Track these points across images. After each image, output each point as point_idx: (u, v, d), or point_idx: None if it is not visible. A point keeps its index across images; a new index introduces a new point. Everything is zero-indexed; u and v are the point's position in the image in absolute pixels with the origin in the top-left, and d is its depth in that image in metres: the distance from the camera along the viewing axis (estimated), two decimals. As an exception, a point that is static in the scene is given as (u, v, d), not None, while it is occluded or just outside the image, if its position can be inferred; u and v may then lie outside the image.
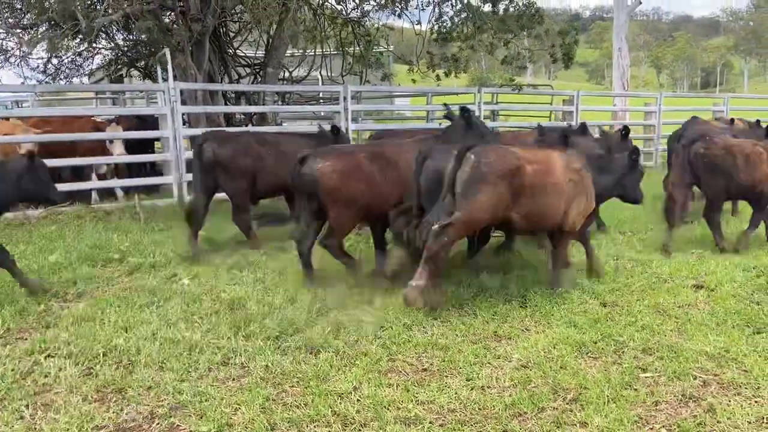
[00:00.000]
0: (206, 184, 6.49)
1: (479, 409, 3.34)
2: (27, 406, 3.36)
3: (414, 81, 14.14)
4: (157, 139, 10.70)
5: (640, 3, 19.64)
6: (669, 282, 5.45)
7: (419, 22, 13.18)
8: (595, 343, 4.12)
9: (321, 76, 15.19)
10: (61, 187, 8.77)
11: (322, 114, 15.17)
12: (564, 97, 14.05)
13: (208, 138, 6.58)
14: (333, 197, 5.13)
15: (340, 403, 3.37)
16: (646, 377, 3.69)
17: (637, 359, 3.92)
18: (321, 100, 15.03)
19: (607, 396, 3.43)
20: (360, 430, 3.15)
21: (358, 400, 3.42)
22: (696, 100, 21.41)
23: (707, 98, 22.50)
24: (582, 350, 4.03)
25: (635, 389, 3.54)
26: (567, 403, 3.39)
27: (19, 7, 11.01)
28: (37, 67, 12.85)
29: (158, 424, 3.21)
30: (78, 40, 10.75)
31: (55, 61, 12.84)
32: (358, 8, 13.55)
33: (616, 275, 5.55)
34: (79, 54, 12.98)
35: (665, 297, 5.01)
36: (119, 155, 9.19)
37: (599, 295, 5.03)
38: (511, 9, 11.62)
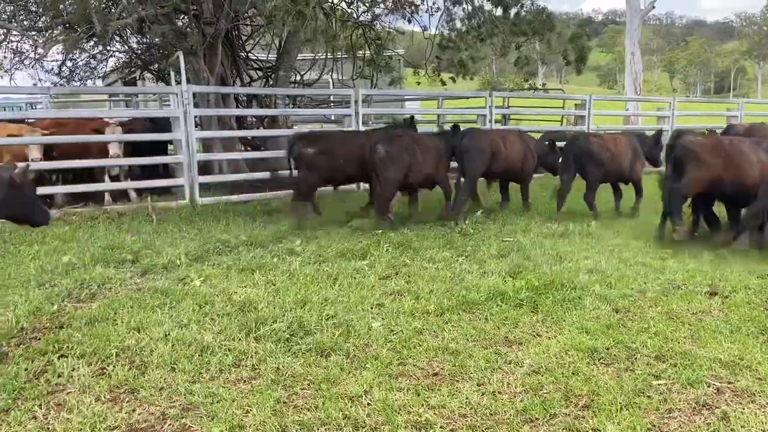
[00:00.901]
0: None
1: (490, 414, 3.33)
2: (40, 406, 3.38)
3: (418, 83, 14.17)
4: (170, 142, 10.76)
5: (654, 7, 19.58)
6: (682, 288, 5.41)
7: (425, 28, 13.23)
8: (608, 349, 4.09)
9: (332, 79, 15.25)
10: (74, 188, 8.95)
11: (333, 117, 15.22)
12: (576, 102, 13.99)
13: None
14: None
15: (351, 406, 3.37)
16: (659, 384, 3.66)
17: (650, 366, 3.88)
18: (332, 104, 15.09)
19: (620, 403, 3.40)
20: (371, 433, 3.15)
21: (368, 403, 3.41)
22: (710, 105, 21.27)
23: (721, 103, 22.31)
24: (594, 356, 4.00)
25: (648, 396, 3.51)
26: (579, 410, 3.36)
27: (34, 9, 11.14)
28: (52, 69, 13.02)
29: (170, 424, 3.22)
30: (92, 42, 10.86)
31: (69, 63, 12.99)
32: (368, 11, 13.61)
33: (629, 281, 5.51)
34: (93, 56, 13.12)
35: (679, 303, 4.97)
36: (114, 156, 9.15)
37: (611, 301, 5.00)
38: (523, 13, 11.62)
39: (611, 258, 6.29)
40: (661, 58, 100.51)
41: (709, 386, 3.63)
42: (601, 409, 3.34)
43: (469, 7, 12.06)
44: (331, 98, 15.21)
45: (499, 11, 11.79)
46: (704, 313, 4.80)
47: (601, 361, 3.96)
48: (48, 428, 3.18)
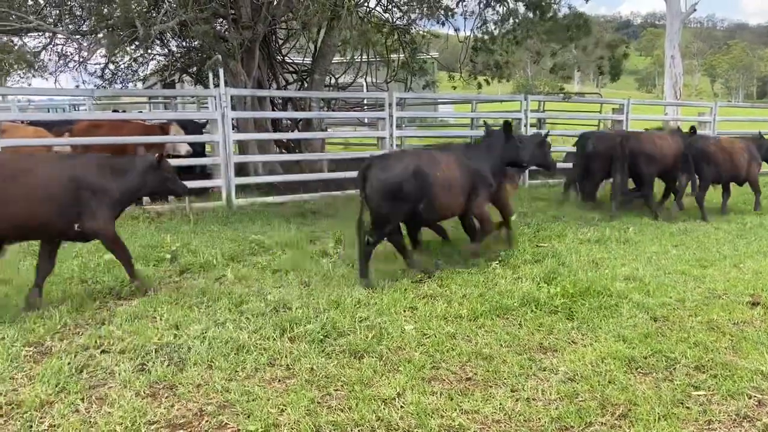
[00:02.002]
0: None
1: (524, 421, 3.31)
2: (82, 400, 3.48)
3: (454, 88, 14.12)
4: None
5: (695, 10, 19.14)
6: (723, 298, 5.28)
7: (456, 29, 13.16)
8: (645, 358, 4.02)
9: (366, 82, 15.33)
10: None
11: (366, 120, 15.30)
12: (614, 106, 13.77)
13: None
14: None
15: (384, 408, 3.38)
16: (698, 395, 3.58)
17: (690, 376, 3.80)
18: (365, 107, 15.17)
19: (658, 413, 3.34)
20: (404, 436, 3.16)
21: (401, 406, 3.42)
22: (752, 111, 20.69)
23: (765, 108, 21.68)
24: (631, 365, 3.94)
25: (687, 407, 3.44)
26: (615, 419, 3.31)
27: (79, 13, 11.47)
28: (95, 72, 13.38)
29: (207, 421, 3.28)
30: (134, 46, 11.14)
31: (111, 66, 13.34)
32: (404, 16, 13.64)
33: (667, 289, 5.40)
34: (135, 60, 13.44)
35: (719, 313, 4.85)
36: (187, 153, 9.57)
37: (650, 309, 4.91)
38: (559, 17, 11.48)
39: (649, 265, 6.18)
40: (702, 61, 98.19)
41: (750, 398, 3.54)
42: (639, 419, 3.28)
43: (503, 10, 11.99)
44: (365, 101, 15.30)
45: (534, 14, 11.68)
46: (746, 324, 4.68)
47: (638, 370, 3.89)
48: (90, 422, 3.27)
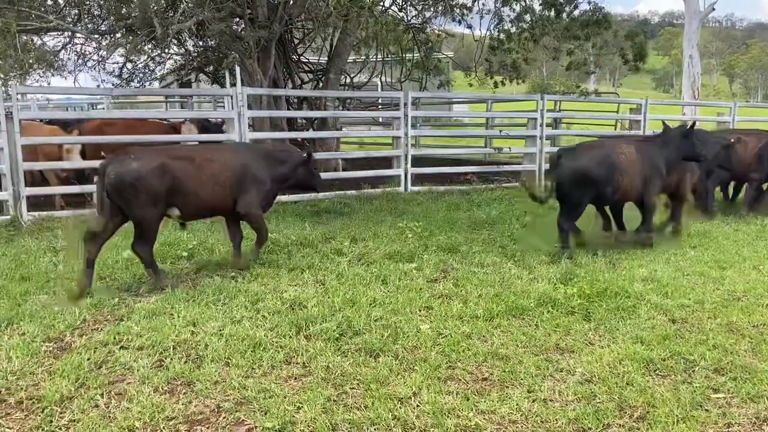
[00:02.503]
0: None
1: (541, 422, 3.29)
2: (102, 395, 3.52)
3: (471, 85, 14.08)
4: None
5: (714, 9, 18.92)
6: (743, 300, 5.21)
7: (470, 26, 13.09)
8: (664, 360, 3.98)
9: (381, 82, 15.34)
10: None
11: (381, 120, 15.31)
12: (631, 106, 13.66)
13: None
14: None
15: (400, 407, 3.38)
16: (718, 398, 3.54)
17: (709, 379, 3.76)
18: (380, 106, 15.17)
19: (677, 416, 3.31)
20: (420, 435, 3.16)
21: (417, 405, 3.42)
22: (772, 111, 20.40)
23: (784, 108, 21.36)
24: (649, 367, 3.90)
25: (706, 410, 3.41)
26: (633, 421, 3.29)
27: (98, 13, 11.60)
28: (113, 71, 13.54)
29: (224, 417, 3.30)
30: (151, 45, 11.23)
31: (129, 65, 13.48)
32: (419, 15, 13.62)
33: (686, 291, 5.35)
34: (152, 59, 13.56)
35: (739, 315, 4.79)
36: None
37: (668, 311, 4.86)
38: (576, 13, 11.37)
39: (667, 267, 6.11)
40: (721, 61, 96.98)
41: (771, 402, 3.49)
42: (657, 422, 3.25)
43: (518, 7, 11.90)
44: (380, 101, 15.30)
45: (551, 13, 11.59)
46: (766, 326, 4.61)
47: (656, 372, 3.86)
48: (109, 417, 3.30)
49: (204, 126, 10.67)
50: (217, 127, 10.73)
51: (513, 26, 12.19)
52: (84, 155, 9.15)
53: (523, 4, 11.71)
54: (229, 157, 5.83)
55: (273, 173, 6.04)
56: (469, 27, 13.12)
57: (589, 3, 11.26)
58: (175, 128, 10.26)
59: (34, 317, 4.60)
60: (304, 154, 6.29)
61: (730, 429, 3.25)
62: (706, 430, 3.21)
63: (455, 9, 11.96)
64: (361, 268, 5.98)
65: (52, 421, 3.25)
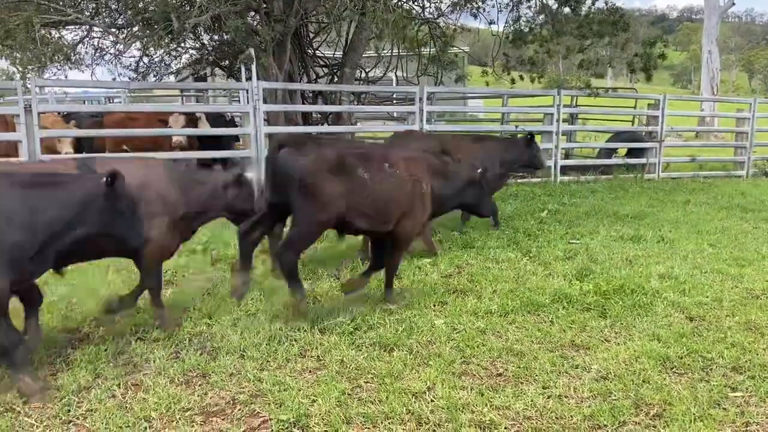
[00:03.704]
0: None
1: (556, 418, 3.27)
2: (119, 385, 3.55)
3: (487, 84, 13.99)
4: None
5: (733, 4, 18.65)
6: (761, 298, 5.15)
7: (492, 22, 12.98)
8: (681, 358, 3.94)
9: (396, 76, 15.27)
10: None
11: (396, 114, 15.27)
12: (649, 101, 13.49)
13: None
14: None
15: (414, 402, 3.38)
16: (735, 396, 3.50)
17: (727, 377, 3.72)
18: (395, 101, 15.12)
19: (694, 414, 3.27)
20: (434, 430, 3.15)
21: (431, 400, 3.42)
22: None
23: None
24: (666, 365, 3.86)
25: (724, 408, 3.37)
26: (650, 419, 3.26)
27: (115, 7, 11.66)
28: (129, 65, 13.60)
29: (240, 409, 3.32)
30: (167, 39, 11.28)
31: (146, 59, 13.54)
32: (431, 5, 13.48)
33: (703, 288, 5.29)
34: (168, 53, 13.61)
35: (758, 314, 4.73)
36: (176, 143, 9.54)
37: (685, 309, 4.81)
38: (593, 12, 11.22)
39: (684, 264, 6.05)
40: (740, 57, 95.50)
41: (791, 401, 3.44)
42: (674, 420, 3.22)
43: (537, 4, 11.79)
44: (395, 95, 15.25)
45: (566, 10, 11.45)
46: (786, 326, 4.55)
47: (673, 370, 3.82)
48: (126, 407, 3.34)
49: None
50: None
51: (531, 22, 12.09)
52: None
53: (540, 2, 11.60)
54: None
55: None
56: (491, 23, 12.97)
57: (606, 2, 11.11)
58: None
59: (52, 309, 4.65)
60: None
61: (748, 428, 3.21)
62: (723, 429, 3.18)
63: (470, 2, 11.85)
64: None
65: (69, 411, 3.29)
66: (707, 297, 5.08)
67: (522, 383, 3.65)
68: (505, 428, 3.17)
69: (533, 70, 12.22)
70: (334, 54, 14.04)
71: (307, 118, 12.39)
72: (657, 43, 11.40)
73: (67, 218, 3.36)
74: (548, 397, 3.47)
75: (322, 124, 12.81)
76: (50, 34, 11.94)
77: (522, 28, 12.12)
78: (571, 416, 3.27)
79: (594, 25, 10.91)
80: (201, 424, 3.19)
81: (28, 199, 3.32)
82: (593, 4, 11.24)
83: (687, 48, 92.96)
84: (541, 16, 11.64)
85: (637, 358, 3.92)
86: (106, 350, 3.96)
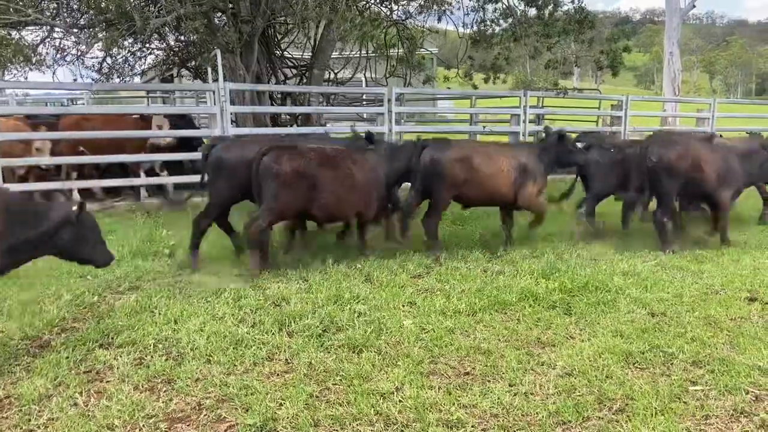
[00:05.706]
0: None
1: (522, 415, 3.31)
2: (81, 393, 3.48)
3: (449, 88, 14.11)
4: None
5: (694, 6, 19.12)
6: (721, 293, 5.29)
7: (465, 25, 13.10)
8: (643, 353, 4.03)
9: (365, 77, 15.27)
10: (110, 182, 9.19)
11: (365, 116, 15.26)
12: (612, 102, 13.77)
13: None
14: None
15: (383, 402, 3.39)
16: (695, 390, 3.59)
17: (687, 371, 3.81)
18: (364, 102, 15.13)
19: (655, 408, 3.35)
20: (402, 430, 3.17)
21: (400, 400, 3.43)
22: (751, 107, 20.69)
23: (763, 105, 21.68)
24: (629, 360, 3.95)
25: (684, 402, 3.45)
26: (613, 414, 3.33)
27: (76, 7, 11.42)
28: (92, 66, 13.32)
29: (206, 415, 3.29)
30: (131, 40, 11.09)
31: (109, 60, 13.28)
32: (399, 8, 13.52)
33: (665, 285, 5.41)
34: (132, 54, 13.38)
35: (717, 309, 4.86)
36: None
37: (647, 305, 4.92)
38: (558, 13, 11.41)
39: (647, 261, 6.19)
40: (701, 58, 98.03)
41: (747, 393, 3.55)
42: (636, 414, 3.29)
43: (501, 7, 11.93)
44: (364, 96, 15.26)
45: (532, 11, 11.63)
46: (743, 319, 4.69)
47: (635, 365, 3.90)
48: (88, 415, 3.27)
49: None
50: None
51: (494, 24, 12.23)
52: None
53: (506, 3, 11.74)
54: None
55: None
56: (465, 25, 13.06)
57: (572, 2, 11.31)
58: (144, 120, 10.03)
59: (12, 315, 4.53)
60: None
61: (707, 421, 3.29)
62: (683, 422, 3.26)
63: (435, 4, 11.92)
64: (345, 264, 5.97)
65: (30, 420, 3.22)
66: (668, 293, 5.20)
67: (489, 381, 3.69)
68: (473, 427, 3.19)
69: (496, 71, 12.38)
70: (302, 55, 13.98)
71: (275, 120, 12.31)
72: (620, 39, 11.67)
73: None
74: (514, 395, 3.51)
75: (291, 126, 12.74)
76: (10, 34, 11.64)
77: (485, 29, 12.26)
78: (537, 413, 3.32)
79: (559, 23, 11.10)
80: (166, 431, 3.15)
81: None
82: (559, 7, 11.42)
83: (649, 49, 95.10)
84: (510, 19, 11.77)
85: (601, 354, 3.99)
86: (67, 358, 3.88)
